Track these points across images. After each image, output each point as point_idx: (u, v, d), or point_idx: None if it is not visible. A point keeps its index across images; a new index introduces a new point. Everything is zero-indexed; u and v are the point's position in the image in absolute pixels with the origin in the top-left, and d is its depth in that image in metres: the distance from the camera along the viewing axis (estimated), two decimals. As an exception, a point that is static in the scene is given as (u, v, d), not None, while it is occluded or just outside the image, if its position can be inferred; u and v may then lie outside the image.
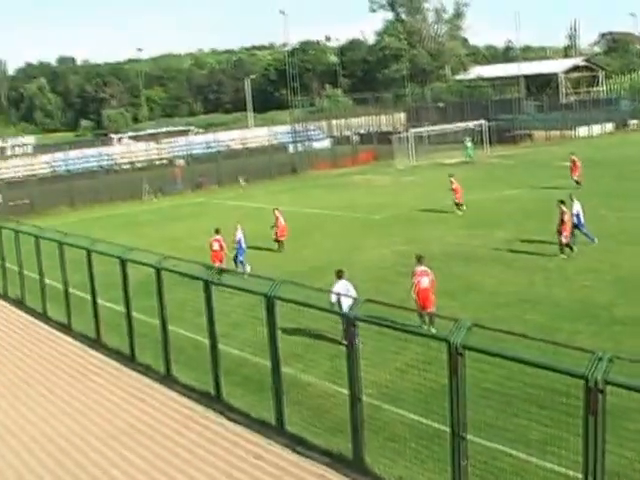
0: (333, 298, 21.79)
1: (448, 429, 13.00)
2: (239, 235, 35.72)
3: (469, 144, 75.80)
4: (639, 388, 10.56)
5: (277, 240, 40.20)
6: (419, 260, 25.36)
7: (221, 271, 30.44)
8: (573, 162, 54.16)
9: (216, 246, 34.69)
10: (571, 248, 33.42)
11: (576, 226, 34.71)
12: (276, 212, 40.60)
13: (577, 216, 34.93)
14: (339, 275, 24.36)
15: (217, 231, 35.37)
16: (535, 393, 12.80)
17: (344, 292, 22.22)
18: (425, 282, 24.58)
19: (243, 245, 35.65)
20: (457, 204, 47.01)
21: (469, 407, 12.80)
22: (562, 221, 33.50)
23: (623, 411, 12.04)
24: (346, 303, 20.75)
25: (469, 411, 12.85)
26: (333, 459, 15.50)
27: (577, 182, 52.72)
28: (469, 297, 28.17)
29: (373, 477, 14.78)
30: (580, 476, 11.33)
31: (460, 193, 47.01)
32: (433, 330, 19.99)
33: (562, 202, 34.26)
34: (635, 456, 12.27)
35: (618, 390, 10.75)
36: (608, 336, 22.71)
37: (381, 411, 16.20)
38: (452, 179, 48.04)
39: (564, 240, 33.28)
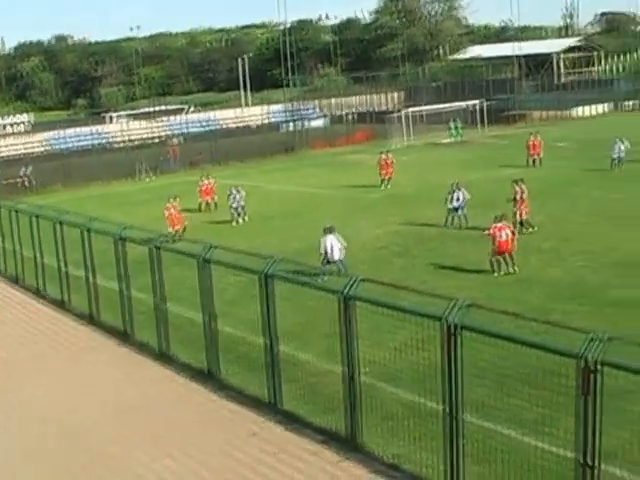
0: (322, 249, 27.39)
1: (443, 408, 13.08)
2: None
3: (453, 124, 76.42)
4: (634, 369, 10.62)
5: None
6: (500, 218, 28.80)
7: (174, 236, 32.34)
8: (533, 142, 55.55)
9: (172, 211, 38.68)
10: (526, 225, 34.31)
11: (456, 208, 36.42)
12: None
13: (458, 199, 36.57)
14: (330, 230, 28.20)
15: (175, 198, 39.65)
16: (529, 373, 12.84)
17: (330, 244, 27.44)
18: (503, 236, 28.03)
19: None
20: (383, 180, 50.45)
21: (464, 386, 12.87)
22: (516, 200, 34.35)
23: (621, 393, 12.10)
24: (336, 251, 27.48)
25: (463, 390, 12.92)
26: (328, 437, 15.60)
27: (535, 162, 54.91)
28: (465, 277, 28.24)
29: (368, 455, 14.87)
30: (573, 455, 11.41)
31: (391, 171, 50.58)
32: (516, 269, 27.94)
33: (516, 182, 35.14)
34: (632, 437, 12.37)
35: (616, 372, 10.80)
36: (602, 317, 22.74)
37: (377, 390, 16.24)
38: (389, 155, 51.61)
39: (524, 217, 34.25)
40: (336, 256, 27.77)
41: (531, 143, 55.81)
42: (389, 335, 15.31)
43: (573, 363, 10.93)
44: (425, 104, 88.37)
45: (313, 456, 15.06)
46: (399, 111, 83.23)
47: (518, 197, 34.35)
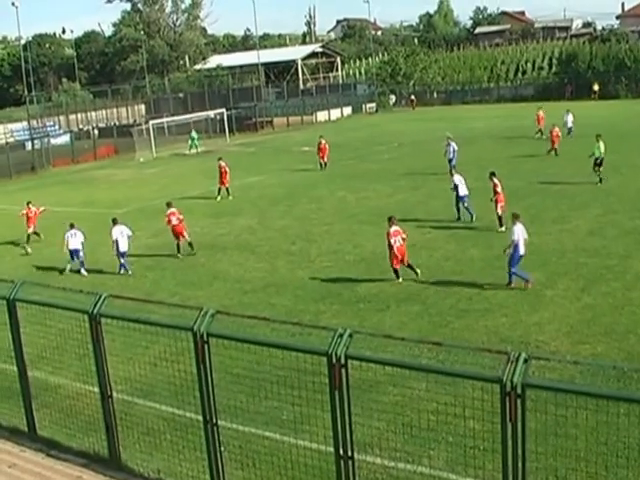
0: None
1: (201, 417, 13.09)
2: None
3: (194, 135, 76.27)
4: (377, 360, 11.02)
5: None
6: (390, 221, 27.11)
7: None
8: (319, 145, 56.02)
9: None
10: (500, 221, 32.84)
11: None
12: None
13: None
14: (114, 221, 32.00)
15: None
16: (284, 375, 13.02)
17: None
18: (399, 241, 26.58)
19: None
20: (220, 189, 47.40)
21: (221, 394, 12.91)
22: (495, 192, 32.97)
23: (372, 384, 12.45)
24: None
25: (221, 398, 12.96)
26: (89, 459, 15.28)
27: (323, 164, 54.85)
28: (215, 286, 28.34)
29: (131, 473, 14.68)
30: (332, 449, 11.67)
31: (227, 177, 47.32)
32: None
33: (493, 174, 33.61)
34: (385, 426, 12.77)
35: (366, 365, 11.15)
36: (352, 314, 23.46)
37: (134, 406, 16.08)
38: (221, 162, 48.13)
39: (499, 211, 32.65)
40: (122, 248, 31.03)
41: (321, 146, 56.13)
42: (142, 350, 15.15)
43: (324, 360, 11.17)
44: (169, 115, 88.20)
45: (76, 480, 14.73)
46: (145, 123, 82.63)
47: (498, 189, 33.05)
